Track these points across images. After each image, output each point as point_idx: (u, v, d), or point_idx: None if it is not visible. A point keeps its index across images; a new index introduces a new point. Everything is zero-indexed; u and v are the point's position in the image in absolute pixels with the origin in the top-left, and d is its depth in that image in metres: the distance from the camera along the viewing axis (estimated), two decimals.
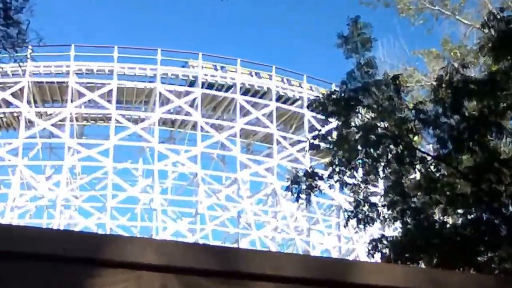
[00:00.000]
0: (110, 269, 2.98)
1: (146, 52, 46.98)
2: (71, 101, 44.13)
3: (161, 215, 43.69)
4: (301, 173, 14.15)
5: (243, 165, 46.36)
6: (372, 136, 13.01)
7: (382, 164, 13.35)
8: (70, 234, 3.12)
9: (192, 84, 46.57)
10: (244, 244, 43.49)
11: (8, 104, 44.67)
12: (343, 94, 13.61)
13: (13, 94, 43.67)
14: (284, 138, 47.56)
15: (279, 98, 48.17)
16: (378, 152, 13.09)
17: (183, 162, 46.07)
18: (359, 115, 13.76)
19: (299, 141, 46.90)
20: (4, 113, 45.71)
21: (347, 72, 13.66)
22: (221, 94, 47.19)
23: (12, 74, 43.66)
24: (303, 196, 13.66)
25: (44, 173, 46.64)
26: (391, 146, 13.07)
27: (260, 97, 47.92)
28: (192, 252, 3.06)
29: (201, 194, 44.42)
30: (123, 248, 3.03)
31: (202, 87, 46.19)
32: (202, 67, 46.62)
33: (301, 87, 48.58)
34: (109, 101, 44.35)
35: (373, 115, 13.61)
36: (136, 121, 45.87)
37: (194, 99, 45.80)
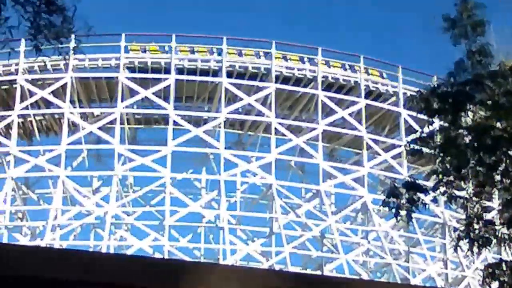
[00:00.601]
0: None
1: (208, 41, 47.71)
2: (122, 100, 45.08)
3: (228, 235, 44.07)
4: (398, 184, 14.12)
5: (327, 175, 46.35)
6: (487, 139, 12.93)
7: (499, 172, 13.23)
8: (146, 262, 3.31)
9: (264, 78, 46.90)
10: (329, 270, 43.46)
11: (49, 104, 45.99)
12: (450, 88, 13.56)
13: (54, 93, 44.97)
14: (376, 142, 47.33)
15: (368, 94, 47.98)
16: (494, 158, 12.99)
17: (255, 171, 46.37)
18: (470, 113, 13.68)
19: (394, 146, 46.58)
20: (43, 114, 47.11)
21: (455, 62, 13.62)
22: (299, 89, 47.35)
23: (53, 70, 45.05)
24: (402, 212, 13.66)
25: (90, 185, 47.79)
26: (510, 152, 12.95)
27: (346, 93, 47.84)
28: (281, 281, 3.19)
29: (276, 210, 44.61)
30: (205, 277, 3.18)
31: (276, 82, 46.47)
32: (276, 58, 46.94)
33: (395, 81, 48.32)
34: (166, 100, 45.11)
35: (487, 113, 13.52)
36: (198, 123, 46.51)
37: (267, 96, 46.11)
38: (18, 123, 45.08)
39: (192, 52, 46.94)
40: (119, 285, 3.06)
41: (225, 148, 45.64)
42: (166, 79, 45.27)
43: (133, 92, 45.42)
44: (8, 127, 45.08)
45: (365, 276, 40.82)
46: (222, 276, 3.23)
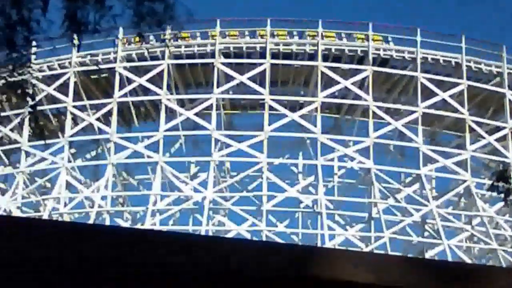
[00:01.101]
0: None
1: (303, 25, 47.53)
2: (217, 86, 45.45)
3: (326, 221, 43.98)
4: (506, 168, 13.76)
5: (427, 159, 45.67)
6: None
7: None
8: (271, 248, 3.27)
9: (361, 61, 46.49)
10: (430, 256, 42.87)
11: (146, 91, 46.79)
12: None
13: (152, 80, 45.69)
14: (479, 124, 46.31)
15: (471, 76, 46.98)
16: None
17: (352, 155, 46.11)
18: None
19: (499, 128, 45.53)
20: (141, 101, 47.96)
21: None
22: (397, 72, 46.74)
23: (150, 57, 45.78)
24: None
25: (188, 171, 48.44)
26: None
27: (447, 75, 46.96)
28: (419, 270, 3.10)
29: (375, 195, 44.27)
30: (333, 264, 3.13)
31: (373, 64, 46.01)
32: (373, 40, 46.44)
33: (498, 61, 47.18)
34: (262, 85, 45.25)
35: None
36: (294, 108, 46.48)
37: (364, 79, 45.71)
38: (117, 110, 46.00)
39: (291, 35, 46.82)
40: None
41: (322, 132, 45.45)
42: (261, 64, 45.38)
43: (228, 78, 45.74)
44: (108, 114, 46.10)
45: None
46: (351, 262, 3.14)
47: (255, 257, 3.05)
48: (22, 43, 11.19)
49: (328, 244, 42.51)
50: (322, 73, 45.32)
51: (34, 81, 12.80)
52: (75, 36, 11.39)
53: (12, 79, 11.66)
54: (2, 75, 11.71)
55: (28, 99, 12.87)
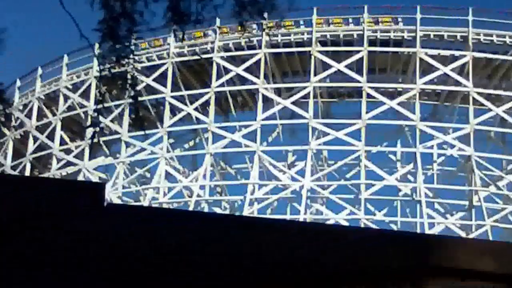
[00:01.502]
0: (436, 278, 3.03)
1: (400, 11, 46.83)
2: (315, 74, 45.30)
3: (426, 209, 43.41)
4: None
5: None
6: None
7: None
8: (393, 238, 3.21)
9: (460, 46, 45.53)
10: None
11: (243, 80, 47.04)
12: None
13: (248, 69, 45.88)
14: None
15: None
16: None
17: (452, 143, 45.35)
18: None
19: None
20: (239, 91, 48.27)
21: None
22: (498, 57, 45.61)
23: (247, 47, 45.98)
24: None
25: (286, 160, 48.53)
26: None
27: None
28: None
29: (476, 183, 43.41)
30: (453, 252, 3.07)
31: (473, 50, 44.99)
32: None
33: None
34: (359, 72, 44.86)
35: None
36: (392, 95, 45.94)
37: (464, 65, 44.77)
38: (215, 99, 46.39)
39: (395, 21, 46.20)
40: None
41: (421, 119, 44.77)
42: (358, 51, 44.98)
43: (325, 66, 45.51)
44: (206, 104, 46.57)
45: None
46: (474, 252, 3.06)
47: (377, 247, 3.01)
48: (125, 35, 11.36)
49: (428, 232, 41.92)
50: (421, 59, 44.59)
51: (134, 73, 12.98)
52: (177, 27, 11.50)
53: (115, 70, 11.84)
54: (105, 66, 11.91)
55: (130, 90, 13.06)
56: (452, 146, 46.03)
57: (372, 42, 45.51)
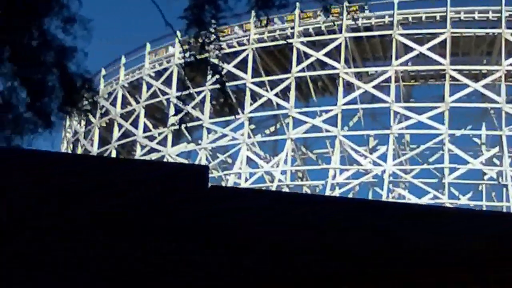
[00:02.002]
0: None
1: None
2: (396, 58, 44.72)
3: None
4: None
5: None
6: None
7: None
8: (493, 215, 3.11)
9: None
10: None
11: (323, 65, 46.78)
12: None
13: (329, 54, 45.60)
14: None
15: None
16: None
17: None
18: None
19: None
20: (319, 76, 48.01)
21: None
22: None
23: (327, 31, 45.67)
24: None
25: (367, 144, 48.15)
26: None
27: None
28: None
29: None
30: None
31: None
32: None
33: None
34: (442, 55, 44.07)
35: None
36: (476, 78, 45.01)
37: None
38: (295, 85, 46.28)
39: None
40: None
41: (506, 102, 43.71)
42: (441, 33, 44.15)
43: (407, 49, 44.86)
44: (286, 89, 46.51)
45: None
46: None
47: (479, 226, 2.94)
48: (209, 21, 11.38)
49: None
50: (506, 40, 43.50)
51: (219, 58, 13.01)
52: (261, 12, 11.47)
53: (200, 56, 11.88)
54: (190, 53, 11.96)
55: (215, 75, 13.10)
56: None
57: (455, 24, 44.61)
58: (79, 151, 51.22)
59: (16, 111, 10.78)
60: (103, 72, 51.27)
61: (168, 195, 2.87)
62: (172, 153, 47.65)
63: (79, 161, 3.12)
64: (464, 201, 45.84)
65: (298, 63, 45.80)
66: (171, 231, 2.89)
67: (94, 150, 50.54)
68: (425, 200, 43.98)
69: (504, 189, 43.00)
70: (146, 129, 49.89)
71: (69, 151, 51.21)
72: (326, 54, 45.66)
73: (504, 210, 42.55)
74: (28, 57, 10.77)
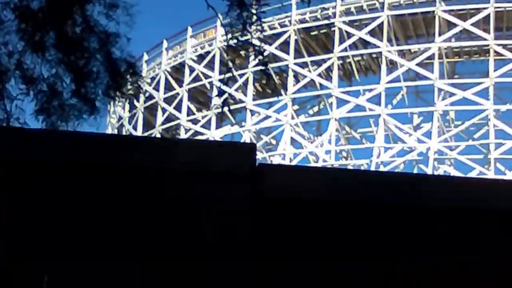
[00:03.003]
0: None
1: None
2: (439, 34, 44.17)
3: None
4: None
5: None
6: None
7: None
8: None
9: None
10: None
11: (366, 44, 46.40)
12: None
13: (371, 32, 45.21)
14: None
15: None
16: None
17: None
18: None
19: None
20: (361, 55, 47.67)
21: None
22: None
23: (369, 10, 45.27)
24: None
25: (411, 122, 47.74)
26: None
27: None
28: None
29: None
30: None
31: None
32: None
33: None
34: (486, 30, 43.40)
35: None
36: None
37: None
38: (338, 65, 45.99)
39: None
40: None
41: None
42: (485, 8, 43.46)
43: (450, 25, 44.27)
44: (329, 69, 46.26)
45: None
46: None
47: None
48: (251, 2, 11.26)
49: None
50: None
51: (258, 42, 12.87)
52: None
53: (242, 38, 11.77)
54: (233, 35, 11.86)
55: (258, 56, 12.98)
56: None
57: None
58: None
59: (61, 98, 10.83)
60: (145, 57, 51.47)
61: (220, 174, 2.85)
62: (216, 136, 47.73)
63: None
64: (510, 176, 45.20)
65: (341, 42, 45.49)
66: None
67: (139, 134, 50.87)
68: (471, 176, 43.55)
69: None
70: (189, 112, 50.06)
71: None
72: (368, 33, 45.29)
73: None
74: (72, 43, 10.80)
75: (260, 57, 12.79)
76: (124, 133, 51.99)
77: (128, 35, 11.09)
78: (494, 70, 42.92)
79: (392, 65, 45.87)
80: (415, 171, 46.94)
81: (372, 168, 43.75)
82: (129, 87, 11.98)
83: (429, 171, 43.25)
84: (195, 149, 2.96)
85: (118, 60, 11.01)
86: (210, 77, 47.61)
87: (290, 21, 46.52)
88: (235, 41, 11.60)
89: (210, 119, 48.53)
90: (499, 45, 43.47)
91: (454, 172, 45.27)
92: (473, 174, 43.49)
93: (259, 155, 47.80)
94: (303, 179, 2.98)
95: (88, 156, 2.83)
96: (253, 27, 11.66)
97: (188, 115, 49.67)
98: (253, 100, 47.15)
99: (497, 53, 43.31)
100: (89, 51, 10.94)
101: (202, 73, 48.87)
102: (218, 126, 49.04)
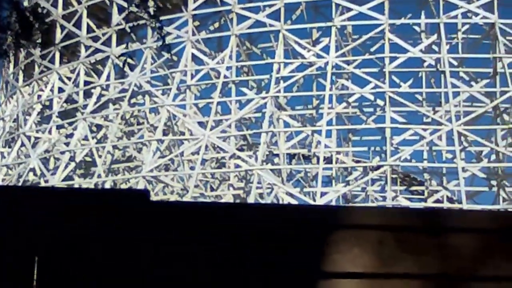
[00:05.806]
0: None
1: None
2: None
3: (450, 79, 43.74)
4: None
5: None
6: None
7: None
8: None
9: None
10: None
11: None
12: None
13: None
14: None
15: None
16: None
17: (476, 11, 45.20)
18: None
19: None
20: None
21: None
22: None
23: None
24: None
25: (310, 37, 48.87)
26: None
27: None
28: None
29: (500, 50, 43.59)
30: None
31: None
32: None
33: None
34: None
35: None
36: None
37: None
38: None
39: None
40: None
41: None
42: None
43: None
44: None
45: None
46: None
47: None
48: None
49: (452, 102, 42.68)
50: None
51: None
52: None
53: None
54: None
55: None
56: (477, 14, 45.86)
57: None
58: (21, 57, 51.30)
59: None
60: None
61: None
62: (116, 53, 47.88)
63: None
64: (404, 88, 47.03)
65: None
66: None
67: (37, 53, 50.61)
68: (367, 90, 45.25)
69: (442, 75, 44.34)
70: (89, 29, 49.95)
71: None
72: None
73: (443, 96, 44.27)
74: None
75: None
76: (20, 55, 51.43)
77: None
78: None
79: None
80: (314, 85, 48.41)
81: (272, 83, 44.85)
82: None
83: (327, 85, 44.69)
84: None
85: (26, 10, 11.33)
86: None
87: None
88: None
89: (110, 37, 48.59)
90: None
91: (351, 86, 46.90)
92: (369, 88, 45.24)
93: (161, 72, 48.37)
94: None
95: None
96: None
97: (88, 32, 49.59)
98: (155, 17, 47.26)
99: None
100: None
101: None
102: (119, 44, 49.15)
